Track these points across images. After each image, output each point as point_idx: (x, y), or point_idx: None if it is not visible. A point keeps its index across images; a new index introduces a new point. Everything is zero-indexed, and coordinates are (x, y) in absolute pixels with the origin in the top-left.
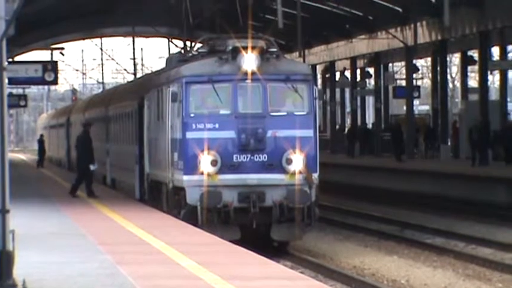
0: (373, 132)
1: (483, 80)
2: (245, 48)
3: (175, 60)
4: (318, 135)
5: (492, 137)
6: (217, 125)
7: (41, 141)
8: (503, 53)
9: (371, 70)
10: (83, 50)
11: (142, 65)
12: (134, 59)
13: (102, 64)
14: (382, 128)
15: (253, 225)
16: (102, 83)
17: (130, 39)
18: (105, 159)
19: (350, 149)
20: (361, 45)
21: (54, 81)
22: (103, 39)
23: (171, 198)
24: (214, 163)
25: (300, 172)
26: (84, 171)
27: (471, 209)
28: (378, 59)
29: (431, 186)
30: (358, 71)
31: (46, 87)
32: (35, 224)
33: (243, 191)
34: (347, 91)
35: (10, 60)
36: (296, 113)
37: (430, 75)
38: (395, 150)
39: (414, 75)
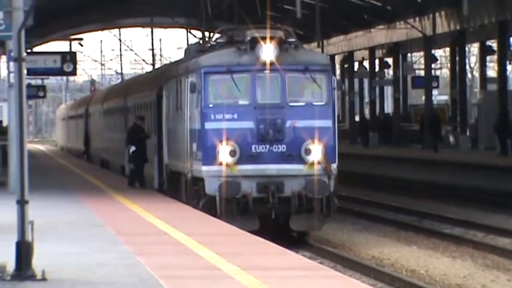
0: (392, 122)
1: (502, 70)
2: (264, 38)
3: (193, 51)
4: (337, 126)
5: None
6: (236, 116)
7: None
8: None
9: (389, 60)
10: (101, 41)
11: (160, 55)
12: (153, 49)
13: (121, 55)
14: (400, 118)
15: (272, 215)
16: (121, 73)
17: (148, 29)
18: (123, 149)
19: (363, 139)
20: (380, 35)
21: (73, 72)
22: (121, 30)
23: (190, 189)
24: (233, 153)
25: (319, 162)
26: (136, 164)
27: (490, 199)
28: (397, 49)
29: (450, 176)
30: (377, 61)
31: (65, 78)
32: (54, 214)
33: (261, 181)
34: (365, 81)
35: (29, 51)
36: (315, 103)
37: (448, 65)
38: (433, 140)
39: (433, 65)
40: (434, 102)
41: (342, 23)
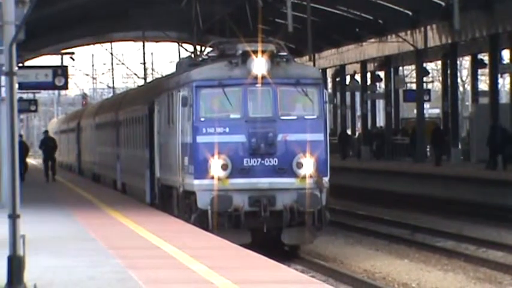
0: (384, 136)
1: (493, 83)
2: (255, 52)
3: (185, 65)
4: (328, 139)
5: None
6: (227, 129)
7: None
8: None
9: (381, 74)
10: (93, 55)
11: (152, 69)
12: (144, 63)
13: (113, 69)
14: (392, 131)
15: (263, 229)
16: (113, 87)
17: (140, 43)
18: (115, 163)
19: (344, 152)
20: (371, 48)
21: (65, 86)
22: (113, 43)
23: (181, 203)
24: (224, 167)
25: (311, 176)
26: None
27: (482, 212)
28: (388, 63)
29: (442, 189)
30: (369, 75)
31: (56, 92)
32: (46, 228)
33: (253, 195)
34: (357, 95)
35: (20, 65)
36: (306, 117)
37: (440, 78)
38: (435, 152)
39: (424, 79)
40: (426, 115)
41: (333, 37)
